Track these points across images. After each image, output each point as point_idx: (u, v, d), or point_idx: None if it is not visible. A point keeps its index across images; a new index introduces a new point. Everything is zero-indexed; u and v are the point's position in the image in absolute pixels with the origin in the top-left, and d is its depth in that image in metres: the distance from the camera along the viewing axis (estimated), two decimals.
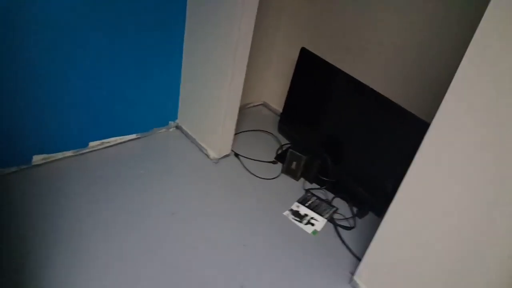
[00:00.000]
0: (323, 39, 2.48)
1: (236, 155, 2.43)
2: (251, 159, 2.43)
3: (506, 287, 1.26)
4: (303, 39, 2.57)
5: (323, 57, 2.25)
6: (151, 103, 2.31)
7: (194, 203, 2.02)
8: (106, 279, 1.56)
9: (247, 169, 2.34)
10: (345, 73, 2.13)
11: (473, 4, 1.75)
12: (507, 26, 1.08)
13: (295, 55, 2.40)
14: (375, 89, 2.00)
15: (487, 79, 1.15)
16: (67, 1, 1.69)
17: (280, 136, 2.71)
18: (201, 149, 2.40)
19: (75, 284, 1.51)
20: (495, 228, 1.24)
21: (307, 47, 2.34)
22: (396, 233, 1.53)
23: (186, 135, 2.49)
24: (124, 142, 2.31)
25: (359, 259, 1.82)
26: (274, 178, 2.34)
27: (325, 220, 2.09)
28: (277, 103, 2.94)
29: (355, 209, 2.20)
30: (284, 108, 2.63)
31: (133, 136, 2.35)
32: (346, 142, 2.27)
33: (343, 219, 2.14)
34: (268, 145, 2.62)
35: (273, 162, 2.46)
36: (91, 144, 2.16)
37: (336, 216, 2.14)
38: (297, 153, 2.29)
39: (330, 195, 2.29)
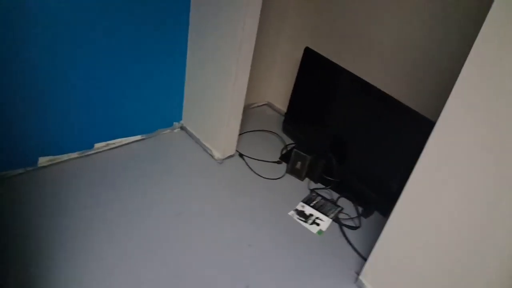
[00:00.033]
0: (327, 39, 2.48)
1: (241, 155, 2.43)
2: (256, 159, 2.43)
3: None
4: (307, 38, 2.57)
5: (327, 57, 2.25)
6: (155, 104, 2.32)
7: (199, 203, 2.02)
8: (110, 279, 1.56)
9: (251, 169, 2.34)
10: (350, 72, 2.13)
11: (477, 3, 1.74)
12: (509, 27, 1.07)
13: (299, 54, 2.40)
14: (379, 88, 1.99)
15: (491, 78, 1.14)
16: (71, 3, 1.70)
17: (284, 136, 2.71)
18: (205, 149, 2.40)
19: (80, 284, 1.51)
20: (500, 227, 1.23)
21: (311, 47, 2.33)
22: (402, 232, 1.53)
23: (191, 135, 2.49)
24: (129, 143, 2.32)
25: (364, 258, 1.81)
26: (278, 178, 2.33)
27: (330, 220, 2.08)
28: (281, 103, 2.94)
29: (360, 209, 2.20)
30: (289, 108, 2.63)
31: (138, 137, 2.36)
32: (351, 142, 2.27)
33: (349, 218, 2.13)
34: (273, 145, 2.62)
35: (278, 162, 2.46)
36: (96, 145, 2.17)
37: (341, 215, 2.14)
38: (302, 153, 2.29)
39: (335, 195, 2.29)
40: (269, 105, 3.09)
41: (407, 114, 1.86)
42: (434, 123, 1.31)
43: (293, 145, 2.61)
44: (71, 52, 1.81)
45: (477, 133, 1.21)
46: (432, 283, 1.47)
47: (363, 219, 2.15)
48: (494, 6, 1.09)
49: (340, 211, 2.16)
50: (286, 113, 2.71)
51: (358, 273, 1.78)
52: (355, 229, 2.07)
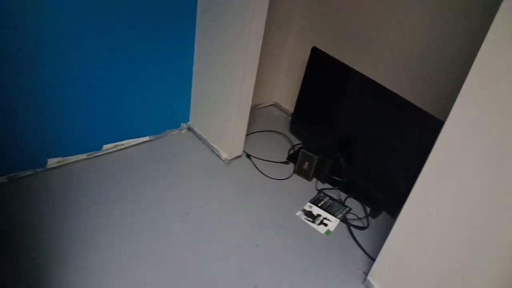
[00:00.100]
0: (334, 38, 2.47)
1: (248, 156, 2.43)
2: (263, 159, 2.43)
3: None
4: (313, 38, 2.57)
5: (334, 56, 2.24)
6: (163, 106, 2.33)
7: (207, 204, 2.02)
8: (119, 279, 1.57)
9: (259, 170, 2.34)
10: (357, 71, 2.12)
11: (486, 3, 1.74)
12: None
13: (306, 54, 2.40)
14: (387, 87, 1.99)
15: (500, 78, 1.13)
16: (79, 6, 1.71)
17: (291, 136, 2.71)
18: (213, 150, 2.40)
19: (87, 284, 1.52)
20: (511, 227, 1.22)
21: (318, 47, 2.33)
22: (410, 232, 1.52)
23: (198, 136, 2.50)
24: (137, 144, 2.33)
25: (372, 259, 1.81)
26: (286, 178, 2.33)
27: (338, 220, 2.08)
28: (288, 103, 2.94)
29: (368, 209, 2.19)
30: (296, 108, 2.63)
31: (146, 138, 2.37)
32: (359, 142, 2.26)
33: (356, 219, 2.13)
34: (280, 145, 2.62)
35: (285, 163, 2.46)
36: (105, 146, 2.19)
37: (349, 216, 2.13)
38: (309, 153, 2.28)
39: (343, 195, 2.28)
40: (276, 105, 3.09)
41: (416, 113, 1.85)
42: (443, 123, 1.30)
43: (301, 145, 2.60)
44: (80, 54, 1.82)
45: (486, 133, 1.20)
46: (440, 283, 1.47)
47: (371, 220, 2.14)
48: (504, 5, 1.09)
49: (348, 212, 2.15)
50: (293, 113, 2.71)
51: (366, 273, 1.77)
52: (363, 229, 2.07)
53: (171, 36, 2.10)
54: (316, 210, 2.12)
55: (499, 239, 1.26)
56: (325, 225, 2.04)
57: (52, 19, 1.66)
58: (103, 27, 1.83)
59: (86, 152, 2.12)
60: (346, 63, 2.18)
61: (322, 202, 2.19)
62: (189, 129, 2.56)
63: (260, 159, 2.43)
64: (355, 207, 2.21)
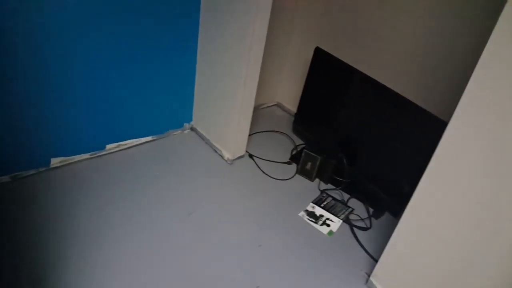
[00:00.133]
0: (337, 39, 2.47)
1: (251, 156, 2.43)
2: (266, 160, 2.43)
3: None
4: (316, 39, 2.57)
5: (338, 57, 2.24)
6: (166, 106, 2.33)
7: (209, 203, 2.02)
8: (121, 278, 1.57)
9: (261, 170, 2.34)
10: (360, 72, 2.12)
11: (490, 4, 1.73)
12: None
13: (309, 55, 2.39)
14: (390, 87, 1.98)
15: (504, 78, 1.13)
16: (81, 6, 1.71)
17: (294, 137, 2.71)
18: (215, 150, 2.41)
19: (90, 283, 1.53)
20: None
21: (321, 47, 2.33)
22: (413, 234, 1.51)
23: (201, 136, 2.50)
24: (140, 144, 2.34)
25: (375, 260, 1.80)
26: (289, 178, 2.33)
27: (341, 221, 2.08)
28: (291, 103, 2.94)
29: (371, 210, 2.19)
30: (299, 109, 2.63)
31: (149, 138, 2.37)
32: (362, 142, 2.26)
33: (359, 219, 2.12)
34: (283, 145, 2.62)
35: (288, 163, 2.46)
36: (108, 146, 2.19)
37: (352, 216, 2.13)
38: (312, 154, 2.28)
39: (345, 196, 2.28)
40: (279, 105, 3.09)
41: (419, 114, 1.85)
42: (446, 124, 1.30)
43: (303, 145, 2.60)
44: (82, 54, 1.83)
45: (490, 134, 1.20)
46: (443, 284, 1.46)
47: (373, 220, 2.14)
48: (508, 6, 1.08)
49: (350, 212, 2.15)
50: (296, 114, 2.71)
51: (368, 274, 1.77)
52: (366, 230, 2.06)
53: (174, 36, 2.10)
54: (318, 211, 2.12)
55: (502, 240, 1.25)
56: (328, 225, 2.04)
57: (54, 18, 1.67)
58: (106, 27, 1.83)
59: (89, 152, 2.13)
60: (350, 63, 2.18)
61: (324, 203, 2.18)
62: (192, 129, 2.56)
63: (263, 159, 2.43)
64: (358, 207, 2.20)
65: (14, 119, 1.78)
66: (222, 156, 2.37)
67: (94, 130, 2.08)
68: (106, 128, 2.13)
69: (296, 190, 2.25)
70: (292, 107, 2.92)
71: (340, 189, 2.31)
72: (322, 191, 2.27)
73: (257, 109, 2.75)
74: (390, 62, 2.22)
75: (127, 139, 2.27)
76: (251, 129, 2.36)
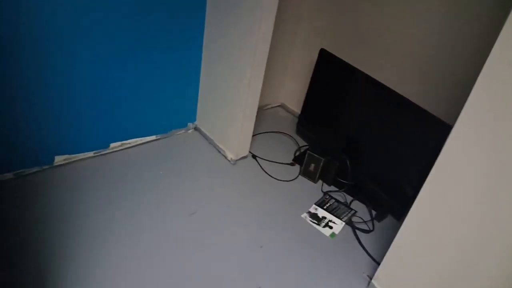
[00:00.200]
0: (342, 41, 2.46)
1: (254, 156, 2.43)
2: (269, 160, 2.43)
3: None
4: (321, 40, 2.56)
5: (342, 58, 2.23)
6: (170, 105, 2.33)
7: (212, 204, 2.02)
8: (123, 277, 1.57)
9: (264, 171, 2.34)
10: (365, 73, 2.11)
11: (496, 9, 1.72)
12: None
13: (314, 56, 2.39)
14: (395, 89, 1.97)
15: (509, 82, 1.12)
16: (86, 4, 1.72)
17: (298, 138, 2.71)
18: (219, 150, 2.41)
19: (92, 282, 1.53)
20: None
21: (325, 48, 2.32)
22: (416, 237, 1.51)
23: (204, 136, 2.50)
24: (144, 143, 2.34)
25: (377, 262, 1.80)
26: (292, 180, 2.33)
27: (343, 223, 2.07)
28: (295, 104, 2.93)
29: (374, 212, 2.18)
30: (303, 110, 2.63)
31: (153, 137, 2.38)
32: (366, 144, 2.25)
33: (362, 222, 2.12)
34: (286, 146, 2.61)
35: (291, 164, 2.45)
36: (112, 145, 2.19)
37: (354, 219, 2.12)
38: (316, 155, 2.28)
39: (348, 198, 2.27)
40: (282, 106, 3.09)
41: (423, 117, 1.84)
42: (451, 127, 1.29)
43: (307, 147, 2.60)
44: (87, 52, 1.83)
45: (495, 138, 1.19)
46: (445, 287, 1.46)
47: (376, 223, 2.13)
48: None
49: (353, 214, 2.15)
50: (300, 115, 2.70)
51: (370, 277, 1.77)
52: (368, 233, 2.06)
53: (179, 35, 2.10)
54: (321, 212, 2.11)
55: (506, 245, 1.25)
56: (330, 227, 2.03)
57: (60, 16, 1.67)
58: (110, 26, 1.83)
59: (93, 150, 2.13)
60: (354, 65, 2.17)
61: (327, 205, 2.18)
62: (196, 129, 2.56)
63: (266, 160, 2.43)
64: (361, 210, 2.20)
65: (18, 117, 1.79)
66: (225, 156, 2.37)
67: (98, 128, 2.09)
68: (110, 126, 2.13)
69: (299, 192, 2.25)
70: (296, 108, 2.91)
71: (343, 191, 2.30)
72: (325, 193, 2.27)
73: (261, 110, 2.75)
74: (394, 64, 2.22)
75: (131, 138, 2.27)
76: (254, 129, 2.35)
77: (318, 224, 2.04)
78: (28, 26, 1.61)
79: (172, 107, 2.35)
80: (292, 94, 2.94)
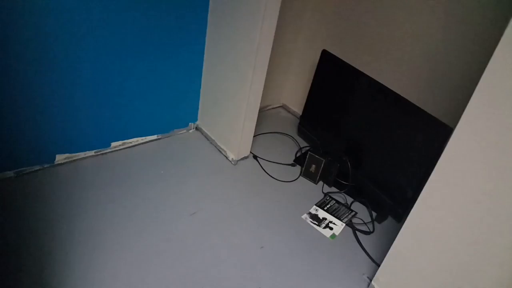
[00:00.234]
0: (344, 42, 2.47)
1: (255, 157, 2.43)
2: (270, 161, 2.43)
3: None
4: (323, 41, 2.57)
5: (344, 60, 2.23)
6: (171, 105, 2.33)
7: (212, 204, 2.03)
8: (122, 277, 1.57)
9: (265, 171, 2.34)
10: (367, 75, 2.11)
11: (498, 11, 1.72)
12: None
13: (316, 57, 2.39)
14: (396, 91, 1.98)
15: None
16: (88, 3, 1.72)
17: (299, 139, 2.71)
18: (220, 150, 2.41)
19: (92, 281, 1.53)
20: None
21: (327, 49, 2.32)
22: (416, 239, 1.51)
23: (206, 136, 2.51)
24: (145, 142, 2.34)
25: (377, 264, 1.80)
26: (292, 180, 2.33)
27: (344, 224, 2.07)
28: (297, 105, 2.94)
29: (374, 214, 2.18)
30: (304, 111, 2.63)
31: (154, 136, 2.38)
32: (366, 146, 2.25)
33: (362, 223, 2.12)
34: (287, 147, 2.62)
35: (292, 165, 2.45)
36: (113, 144, 2.20)
37: (355, 220, 2.12)
38: (317, 156, 2.28)
39: (349, 199, 2.27)
40: (284, 107, 3.09)
41: (424, 119, 1.84)
42: (452, 130, 1.29)
43: (308, 148, 2.60)
44: (89, 52, 1.83)
45: (496, 141, 1.19)
46: None
47: (376, 224, 2.13)
48: None
49: (353, 216, 2.14)
50: (301, 116, 2.70)
51: (370, 278, 1.77)
52: (369, 234, 2.06)
53: (182, 35, 2.10)
54: (321, 214, 2.11)
55: (508, 246, 1.24)
56: (331, 228, 2.03)
57: (62, 16, 1.67)
58: (113, 26, 1.84)
59: (94, 149, 2.14)
60: (356, 67, 2.18)
61: (328, 206, 2.18)
62: (197, 128, 2.57)
63: (267, 160, 2.43)
64: (361, 211, 2.20)
65: (20, 115, 1.79)
66: (226, 157, 2.37)
67: (100, 127, 2.09)
68: (111, 125, 2.14)
69: (300, 192, 2.25)
70: (298, 109, 2.92)
71: (343, 192, 2.30)
72: (326, 194, 2.27)
73: (262, 110, 2.75)
74: (397, 66, 2.22)
75: (132, 137, 2.28)
76: (256, 130, 2.35)
77: (319, 225, 2.04)
78: (31, 26, 1.61)
79: (174, 106, 2.36)
80: (294, 95, 2.94)
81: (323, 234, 2.00)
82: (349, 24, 2.42)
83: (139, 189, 2.00)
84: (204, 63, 2.30)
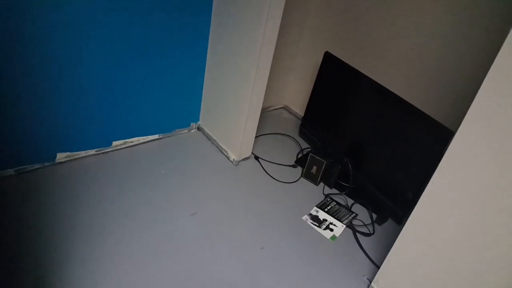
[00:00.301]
0: (347, 44, 2.46)
1: (256, 157, 2.43)
2: (271, 162, 2.43)
3: None
4: (326, 43, 2.56)
5: (347, 62, 2.23)
6: (173, 104, 2.34)
7: (213, 204, 2.02)
8: (122, 277, 1.57)
9: (266, 172, 2.34)
10: (369, 77, 2.11)
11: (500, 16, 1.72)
12: None
13: (318, 59, 2.39)
14: (398, 94, 1.97)
15: None
16: (92, 3, 1.72)
17: (300, 140, 2.71)
18: (221, 150, 2.41)
19: (92, 280, 1.53)
20: None
21: (330, 51, 2.32)
22: (417, 241, 1.50)
23: (207, 136, 2.51)
24: (147, 142, 2.34)
25: (377, 266, 1.79)
26: (293, 182, 2.33)
27: (344, 226, 2.07)
28: (299, 106, 2.93)
29: (374, 216, 2.18)
30: (306, 112, 2.62)
31: (156, 136, 2.38)
32: (368, 148, 2.25)
33: (362, 225, 2.12)
34: (289, 148, 2.61)
35: (293, 166, 2.45)
36: (115, 143, 2.20)
37: (355, 222, 2.12)
38: (318, 158, 2.28)
39: (349, 201, 2.27)
40: (286, 108, 3.09)
41: (426, 122, 1.83)
42: (453, 133, 1.29)
43: (309, 149, 2.60)
44: (91, 51, 1.84)
45: (498, 144, 1.19)
46: None
47: (377, 226, 2.13)
48: None
49: (354, 217, 2.14)
50: (303, 117, 2.70)
51: (370, 280, 1.76)
52: (369, 236, 2.05)
53: (184, 34, 2.10)
54: (322, 215, 2.11)
55: (509, 249, 1.24)
56: (331, 230, 2.03)
57: (65, 15, 1.68)
58: (116, 25, 1.84)
59: (95, 148, 2.14)
60: (358, 69, 2.17)
61: (328, 207, 2.18)
62: (199, 128, 2.57)
63: (268, 161, 2.43)
64: (362, 213, 2.19)
65: (21, 113, 1.79)
66: (227, 157, 2.37)
67: (101, 126, 2.09)
68: (113, 124, 2.14)
69: (301, 194, 2.25)
70: (300, 110, 2.91)
71: (344, 194, 2.30)
72: (327, 196, 2.27)
73: (264, 111, 2.75)
74: (398, 68, 2.22)
75: (134, 137, 2.28)
76: (257, 131, 2.35)
77: (319, 227, 2.04)
78: (33, 24, 1.62)
79: (176, 106, 2.36)
80: (296, 96, 2.94)
81: (323, 236, 1.99)
82: (352, 26, 2.42)
83: (139, 189, 2.00)
84: (207, 63, 2.30)
